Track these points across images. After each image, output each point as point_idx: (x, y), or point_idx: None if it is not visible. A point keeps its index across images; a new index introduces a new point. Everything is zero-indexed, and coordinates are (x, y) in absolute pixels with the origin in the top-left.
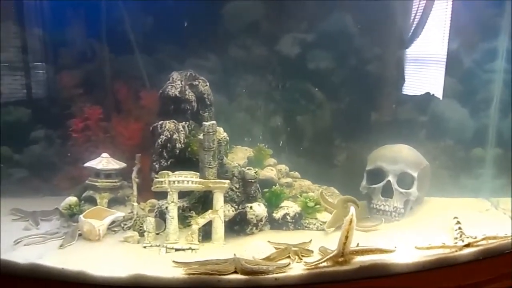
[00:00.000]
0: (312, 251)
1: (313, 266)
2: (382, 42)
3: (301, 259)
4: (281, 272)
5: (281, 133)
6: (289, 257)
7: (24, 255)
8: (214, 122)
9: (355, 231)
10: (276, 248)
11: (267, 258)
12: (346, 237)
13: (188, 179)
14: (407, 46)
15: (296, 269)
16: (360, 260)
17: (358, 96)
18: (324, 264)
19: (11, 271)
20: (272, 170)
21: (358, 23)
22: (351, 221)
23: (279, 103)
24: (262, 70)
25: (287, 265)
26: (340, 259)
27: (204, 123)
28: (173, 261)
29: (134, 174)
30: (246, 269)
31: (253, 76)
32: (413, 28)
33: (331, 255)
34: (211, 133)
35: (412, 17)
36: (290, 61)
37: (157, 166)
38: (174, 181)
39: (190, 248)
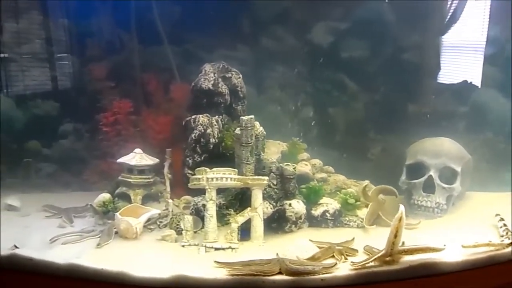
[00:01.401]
0: (357, 250)
1: (360, 266)
2: (419, 29)
3: (346, 259)
4: (328, 273)
5: (313, 126)
6: (333, 256)
7: (60, 253)
8: (252, 116)
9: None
10: (319, 247)
11: (312, 258)
12: (395, 236)
13: (226, 176)
14: (444, 33)
15: (343, 269)
16: (408, 259)
17: (394, 86)
18: (372, 264)
19: (49, 271)
20: (306, 165)
21: (391, 7)
22: (400, 219)
23: (310, 95)
24: (293, 61)
25: (334, 265)
26: (388, 259)
27: (241, 117)
28: (215, 262)
29: (166, 170)
30: (291, 270)
31: (284, 67)
32: (450, 14)
33: (379, 254)
34: (249, 128)
35: (450, 2)
36: (322, 51)
37: (190, 161)
38: (212, 178)
39: (230, 247)
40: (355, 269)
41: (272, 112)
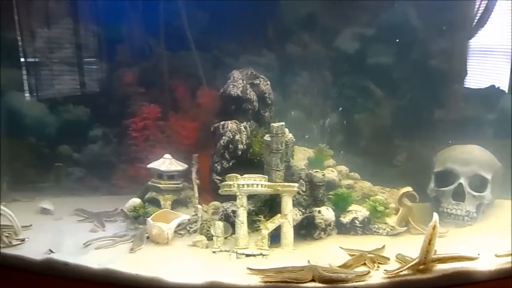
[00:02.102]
0: (388, 258)
1: (394, 274)
2: (445, 34)
3: (379, 267)
4: (361, 281)
5: (338, 132)
6: (365, 264)
7: (94, 258)
8: (283, 123)
9: (418, 235)
10: (350, 255)
11: (344, 266)
12: (429, 244)
13: (257, 183)
14: (472, 37)
15: (376, 277)
16: (442, 268)
17: (420, 92)
18: (405, 272)
19: (85, 276)
20: (333, 171)
21: (418, 12)
22: (434, 227)
23: (335, 101)
24: (318, 67)
25: (367, 273)
26: (421, 267)
27: (272, 124)
28: (248, 268)
29: (194, 175)
30: (324, 277)
31: (309, 73)
32: (478, 18)
33: (413, 262)
34: (279, 135)
35: (477, 6)
36: (348, 57)
37: (218, 167)
38: (243, 185)
39: (261, 254)
40: (389, 277)
41: (297, 118)
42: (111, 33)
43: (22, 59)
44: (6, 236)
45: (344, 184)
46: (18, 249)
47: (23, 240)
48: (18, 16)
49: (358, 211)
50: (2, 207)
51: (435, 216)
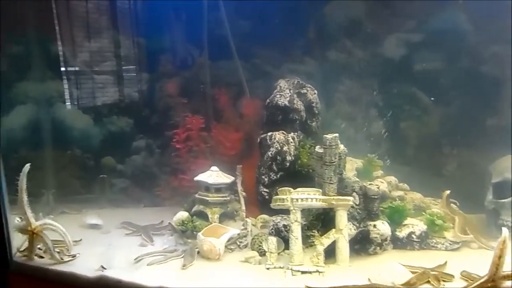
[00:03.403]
0: (453, 276)
1: None
2: (497, 38)
3: (444, 285)
4: None
5: (384, 141)
6: (429, 282)
7: (146, 275)
8: (337, 135)
9: (480, 249)
10: (412, 272)
11: (407, 284)
12: (499, 260)
13: (311, 197)
14: None
15: None
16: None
17: (471, 99)
18: None
19: None
20: (382, 182)
21: (467, 16)
22: (504, 242)
23: (381, 109)
24: (363, 74)
25: None
26: (490, 284)
27: (325, 136)
28: (307, 286)
29: (239, 187)
30: None
31: (353, 81)
32: None
33: (482, 280)
34: (333, 147)
35: None
36: (393, 63)
37: (266, 179)
38: (297, 199)
39: (317, 271)
40: None
41: (341, 127)
42: (154, 44)
43: (67, 72)
44: (58, 252)
45: (395, 195)
46: (70, 265)
47: (74, 256)
48: (61, 29)
49: (415, 225)
50: (53, 222)
51: (505, 230)
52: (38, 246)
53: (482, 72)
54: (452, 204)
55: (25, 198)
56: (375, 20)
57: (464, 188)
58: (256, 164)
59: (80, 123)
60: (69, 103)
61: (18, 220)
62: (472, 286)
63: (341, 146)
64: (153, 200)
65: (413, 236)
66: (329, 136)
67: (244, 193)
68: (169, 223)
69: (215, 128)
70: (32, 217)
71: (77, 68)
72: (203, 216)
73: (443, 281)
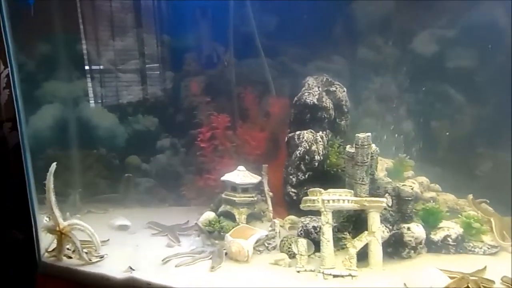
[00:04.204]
0: (493, 281)
1: None
2: None
3: None
4: None
5: (414, 141)
6: (468, 287)
7: (175, 277)
8: (369, 134)
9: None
10: (450, 277)
11: None
12: None
13: (343, 198)
14: None
15: None
16: None
17: (506, 97)
18: None
19: None
20: (414, 183)
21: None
22: None
23: (411, 107)
24: (393, 71)
25: None
26: None
27: (357, 135)
28: None
29: (266, 187)
30: None
31: (383, 78)
32: None
33: None
34: (365, 147)
35: None
36: (425, 61)
37: (294, 179)
38: (328, 200)
39: (349, 275)
40: None
41: (370, 125)
42: (179, 42)
43: (93, 71)
44: (86, 253)
45: (427, 197)
46: (98, 266)
47: (102, 256)
48: (87, 28)
49: (451, 228)
50: (81, 222)
51: None
52: (67, 247)
53: None
54: (484, 204)
55: (52, 198)
56: (406, 16)
57: (499, 189)
58: (282, 163)
59: (105, 122)
60: (95, 102)
61: (46, 220)
62: None
63: (373, 146)
64: (178, 199)
65: (448, 239)
66: (361, 135)
67: (271, 193)
68: (195, 223)
69: (241, 127)
70: (60, 217)
71: (102, 67)
72: (229, 216)
73: (483, 286)
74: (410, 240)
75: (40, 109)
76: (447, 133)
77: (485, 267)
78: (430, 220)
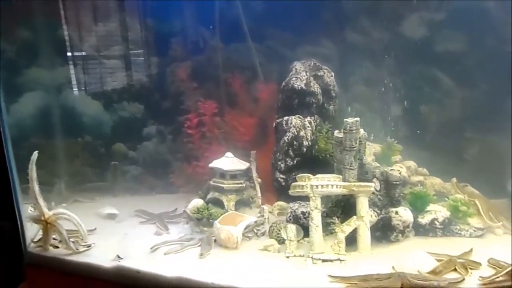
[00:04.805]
0: (480, 263)
1: (490, 281)
2: None
3: (472, 273)
4: None
5: (403, 125)
6: (455, 270)
7: (164, 264)
8: (358, 119)
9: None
10: (437, 260)
11: (433, 272)
12: None
13: (332, 183)
14: None
15: (469, 284)
16: None
17: (495, 82)
18: (501, 278)
19: (158, 284)
20: (402, 167)
21: None
22: None
23: (400, 92)
24: (381, 56)
25: (461, 280)
26: None
27: (346, 120)
28: (330, 276)
29: (255, 174)
30: (415, 286)
31: (372, 63)
32: None
33: (510, 268)
34: (354, 132)
35: None
36: (414, 44)
37: (282, 165)
38: (317, 186)
39: (338, 259)
40: (484, 284)
41: (359, 110)
42: (164, 27)
43: (76, 57)
44: (73, 242)
45: (415, 181)
46: (85, 256)
47: (89, 245)
48: (67, 12)
49: (438, 212)
50: (67, 211)
51: None
52: (53, 236)
53: (507, 52)
54: (469, 187)
55: (36, 187)
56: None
57: (486, 172)
58: (271, 149)
59: (90, 109)
60: (78, 89)
61: (31, 210)
62: (500, 274)
63: (361, 131)
64: (166, 187)
65: (436, 222)
66: (349, 120)
67: (259, 180)
68: (184, 211)
69: (229, 113)
70: (45, 207)
71: (85, 53)
72: (218, 203)
73: (470, 268)
74: (398, 224)
75: (22, 97)
76: (435, 117)
77: (472, 249)
78: (418, 204)
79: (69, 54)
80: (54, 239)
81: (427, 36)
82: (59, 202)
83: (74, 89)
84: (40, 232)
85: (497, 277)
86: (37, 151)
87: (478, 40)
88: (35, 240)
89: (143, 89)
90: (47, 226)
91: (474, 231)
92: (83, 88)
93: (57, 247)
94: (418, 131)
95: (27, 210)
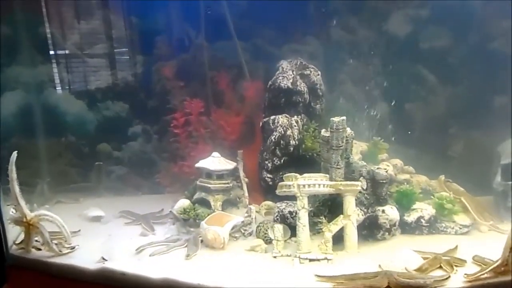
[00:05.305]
0: (465, 261)
1: (474, 278)
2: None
3: (457, 270)
4: (440, 286)
5: (388, 122)
6: (441, 267)
7: (150, 266)
8: (344, 118)
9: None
10: (423, 258)
11: (419, 269)
12: None
13: (319, 182)
14: None
15: (454, 281)
16: None
17: (479, 79)
18: (486, 275)
19: (143, 286)
20: (388, 165)
21: None
22: None
23: (386, 89)
24: (367, 53)
25: (447, 278)
26: (503, 269)
27: (332, 119)
28: (316, 275)
29: (242, 173)
30: (402, 284)
31: (357, 60)
32: None
33: (495, 265)
34: (340, 130)
35: None
36: (399, 42)
37: (269, 164)
38: (304, 185)
39: (325, 258)
40: (470, 281)
41: (344, 108)
42: (149, 25)
43: (58, 55)
44: (56, 244)
45: (401, 179)
46: (69, 258)
47: (73, 247)
48: (49, 8)
49: (424, 209)
50: (50, 212)
51: None
52: (36, 238)
53: (491, 50)
54: (454, 184)
55: (17, 188)
56: None
57: (472, 170)
58: (258, 149)
59: (73, 108)
60: (62, 88)
61: (12, 212)
62: (485, 271)
63: (348, 129)
64: (152, 187)
65: (422, 220)
66: (336, 119)
67: (246, 179)
68: (170, 211)
69: (215, 112)
70: (27, 208)
71: (68, 51)
72: (205, 203)
73: (456, 265)
74: (385, 222)
75: (2, 96)
76: (421, 115)
77: (457, 246)
78: (404, 202)
79: (51, 52)
80: (36, 241)
81: (413, 34)
82: (41, 203)
83: (57, 88)
84: (22, 234)
85: (482, 274)
86: (16, 152)
87: (463, 37)
88: (17, 242)
89: (128, 88)
90: (29, 228)
91: (460, 228)
92: (67, 87)
93: (39, 249)
94: (408, 131)
95: (8, 212)
